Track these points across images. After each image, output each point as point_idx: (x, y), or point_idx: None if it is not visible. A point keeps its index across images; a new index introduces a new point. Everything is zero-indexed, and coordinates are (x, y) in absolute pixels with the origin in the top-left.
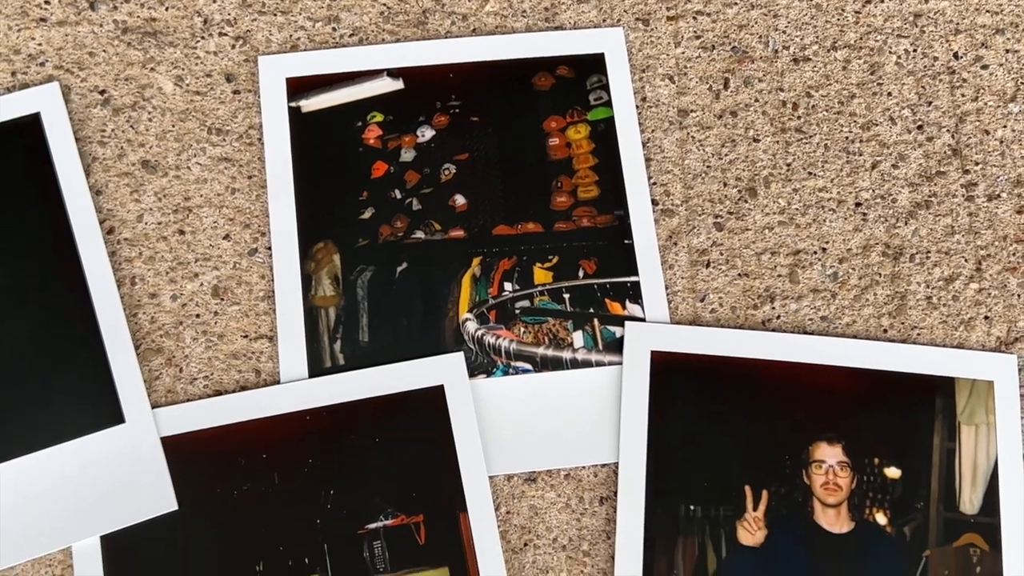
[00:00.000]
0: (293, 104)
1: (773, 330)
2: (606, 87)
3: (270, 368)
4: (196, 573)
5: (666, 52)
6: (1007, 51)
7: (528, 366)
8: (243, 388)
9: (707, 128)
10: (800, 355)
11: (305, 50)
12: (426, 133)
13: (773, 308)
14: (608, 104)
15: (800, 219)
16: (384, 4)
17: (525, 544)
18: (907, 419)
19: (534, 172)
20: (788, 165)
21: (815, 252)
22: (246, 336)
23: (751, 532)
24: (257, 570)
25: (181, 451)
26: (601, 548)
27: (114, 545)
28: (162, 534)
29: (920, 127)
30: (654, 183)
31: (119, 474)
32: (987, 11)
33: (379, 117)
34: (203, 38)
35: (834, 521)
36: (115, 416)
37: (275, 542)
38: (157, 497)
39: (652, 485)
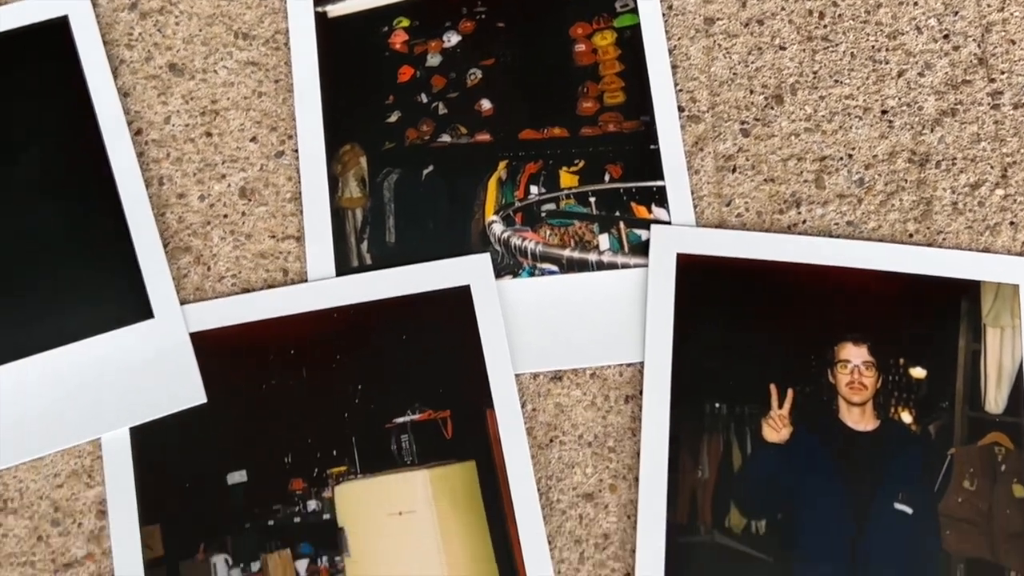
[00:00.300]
0: (319, 9)
1: (799, 234)
2: None
3: (297, 268)
4: (225, 465)
5: None
6: None
7: (554, 268)
8: (270, 287)
9: (733, 36)
10: (826, 258)
11: None
12: (452, 38)
13: (799, 213)
14: (634, 11)
15: (826, 126)
16: None
17: (551, 440)
18: (932, 321)
19: (560, 78)
20: (814, 73)
21: (841, 158)
22: (273, 236)
23: (776, 429)
24: (285, 462)
25: (210, 346)
26: (626, 445)
27: (143, 437)
28: (191, 427)
29: (946, 36)
30: (680, 90)
31: (148, 368)
32: None
33: (405, 22)
34: None
35: (859, 419)
36: (144, 311)
37: (303, 435)
38: (186, 390)
39: (677, 384)
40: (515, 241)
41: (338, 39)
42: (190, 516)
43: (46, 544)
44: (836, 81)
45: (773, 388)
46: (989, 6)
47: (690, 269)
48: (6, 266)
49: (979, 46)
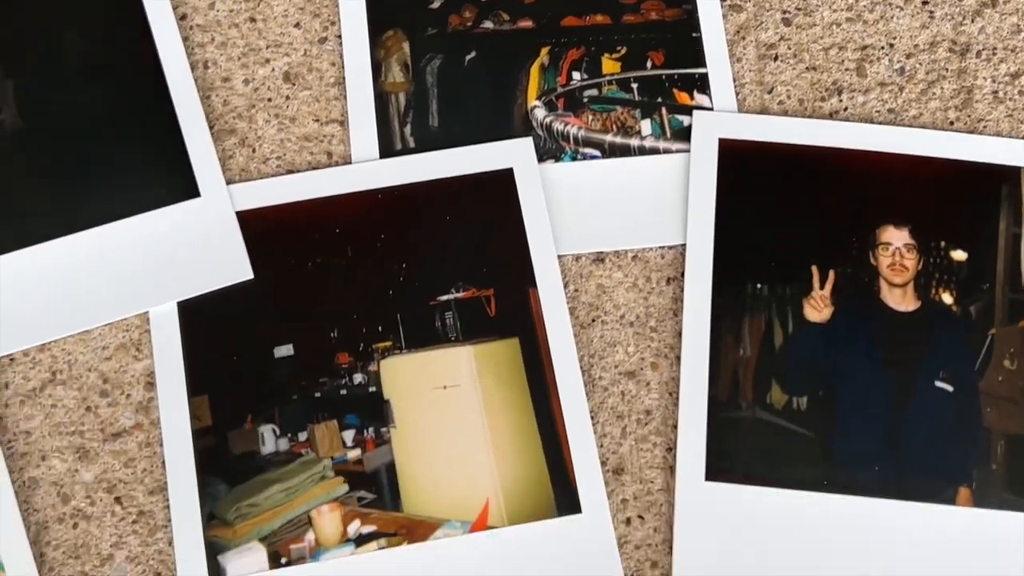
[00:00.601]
0: None
1: (840, 121)
2: None
3: (341, 151)
4: (271, 339)
5: None
6: None
7: (596, 152)
8: (314, 169)
9: None
10: (868, 143)
11: None
12: None
13: (840, 101)
14: None
15: (867, 16)
16: None
17: (593, 320)
18: (973, 205)
19: None
20: None
21: (882, 47)
22: (317, 120)
23: (818, 309)
24: (331, 336)
25: (255, 225)
26: (668, 325)
27: (191, 312)
28: (238, 302)
29: None
30: None
31: (196, 244)
32: None
33: None
34: None
35: (900, 300)
36: (191, 190)
37: (348, 311)
38: (233, 266)
39: (719, 265)
40: (557, 126)
41: None
42: (238, 388)
43: (95, 414)
44: None
45: (815, 269)
46: None
47: (732, 154)
48: (59, 147)
49: None
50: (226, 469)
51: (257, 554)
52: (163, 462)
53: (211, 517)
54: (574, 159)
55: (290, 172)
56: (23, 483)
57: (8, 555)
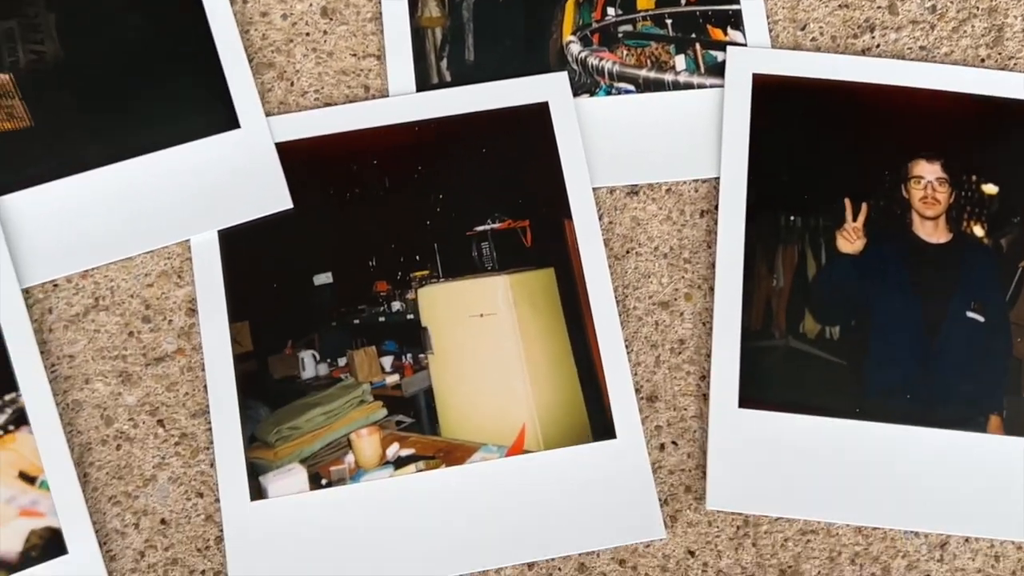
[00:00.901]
0: None
1: (873, 57)
2: None
3: (378, 85)
4: (311, 267)
5: None
6: None
7: (631, 87)
8: (352, 103)
9: None
10: (901, 79)
11: None
12: None
13: (873, 37)
14: None
15: None
16: None
17: (627, 251)
18: (1005, 140)
19: None
20: None
21: None
22: (354, 55)
23: (850, 241)
24: (370, 265)
25: (295, 156)
26: (702, 256)
27: (232, 241)
28: (278, 231)
29: None
30: None
31: (236, 175)
32: None
33: None
34: None
35: (932, 232)
36: (231, 121)
37: (386, 240)
38: (273, 196)
39: (753, 197)
40: (592, 61)
41: None
42: (278, 314)
43: (137, 340)
44: None
45: (847, 202)
46: None
47: (765, 89)
48: (101, 79)
49: None
50: (267, 393)
51: (298, 475)
52: (205, 386)
53: (252, 439)
54: (609, 94)
55: (328, 105)
56: (67, 406)
57: (53, 475)
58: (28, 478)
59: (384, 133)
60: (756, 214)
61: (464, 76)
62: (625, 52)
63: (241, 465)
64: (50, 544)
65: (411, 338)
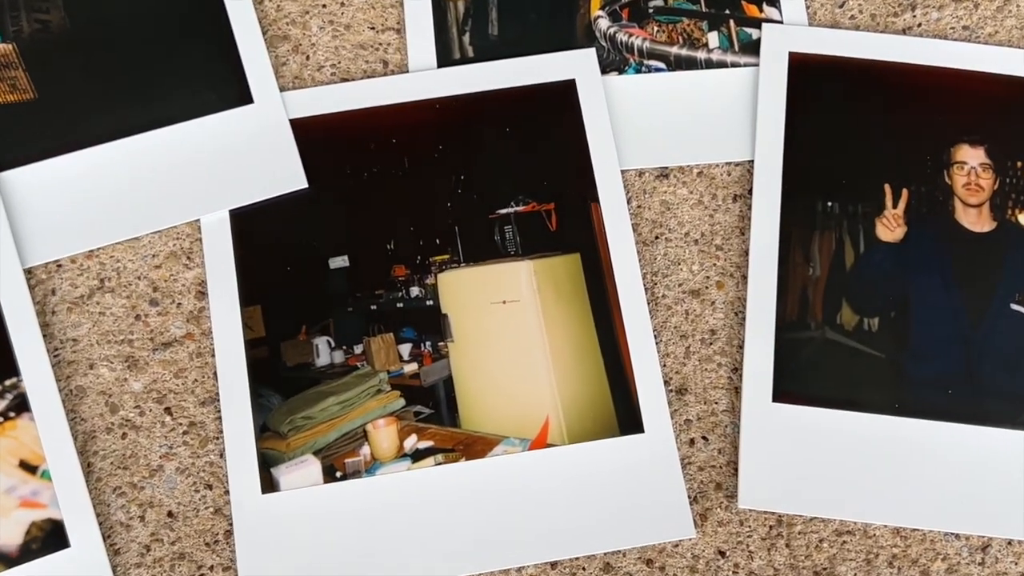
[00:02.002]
0: None
1: (914, 37)
2: None
3: (398, 60)
4: (326, 250)
5: None
6: None
7: (661, 65)
8: (370, 78)
9: None
10: (943, 60)
11: None
12: None
13: (914, 16)
14: None
15: None
16: None
17: (656, 237)
18: None
19: None
20: None
21: None
22: (373, 28)
23: (890, 228)
24: (388, 248)
25: (310, 133)
26: (734, 243)
27: (244, 221)
28: (293, 212)
29: None
30: None
31: (248, 152)
32: None
33: None
34: None
35: (975, 220)
36: (243, 96)
37: (405, 223)
38: (287, 175)
39: (788, 182)
40: (622, 37)
41: None
42: (292, 298)
43: (144, 323)
44: None
45: (887, 188)
46: None
47: (802, 69)
48: (108, 50)
49: None
50: (279, 380)
51: (311, 467)
52: (215, 372)
53: (264, 429)
54: (638, 71)
55: (344, 80)
56: (70, 392)
57: (55, 465)
58: (29, 467)
59: (403, 110)
60: (791, 199)
61: (487, 51)
62: (656, 28)
63: (252, 456)
64: (51, 537)
65: (430, 325)
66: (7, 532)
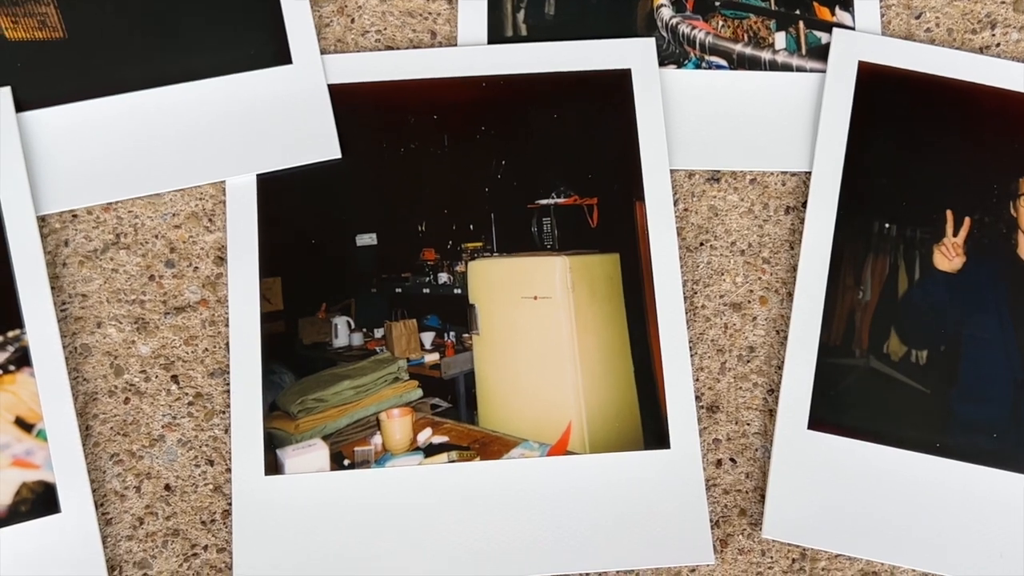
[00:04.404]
0: None
1: (993, 57)
2: None
3: (447, 31)
4: (354, 225)
5: None
6: None
7: (723, 62)
8: (416, 48)
9: None
10: (1020, 84)
11: None
12: None
13: (993, 35)
14: None
15: None
16: None
17: (701, 244)
18: None
19: None
20: None
21: None
22: None
23: (948, 257)
24: (419, 230)
25: (348, 101)
26: (783, 257)
27: (271, 187)
28: (322, 182)
29: None
30: None
31: (283, 115)
32: None
33: None
34: None
35: None
36: (282, 55)
37: (440, 205)
38: (320, 143)
39: (846, 198)
40: (684, 29)
41: None
42: (314, 273)
43: (158, 284)
44: None
45: (949, 214)
46: None
47: (871, 80)
48: None
49: None
50: (294, 358)
51: (319, 452)
52: (227, 343)
53: (273, 407)
54: (698, 67)
55: (389, 48)
56: (74, 349)
57: (52, 424)
58: (25, 425)
59: (448, 86)
60: (847, 217)
61: (542, 31)
62: (721, 22)
63: (258, 434)
64: (42, 499)
65: (456, 315)
66: None
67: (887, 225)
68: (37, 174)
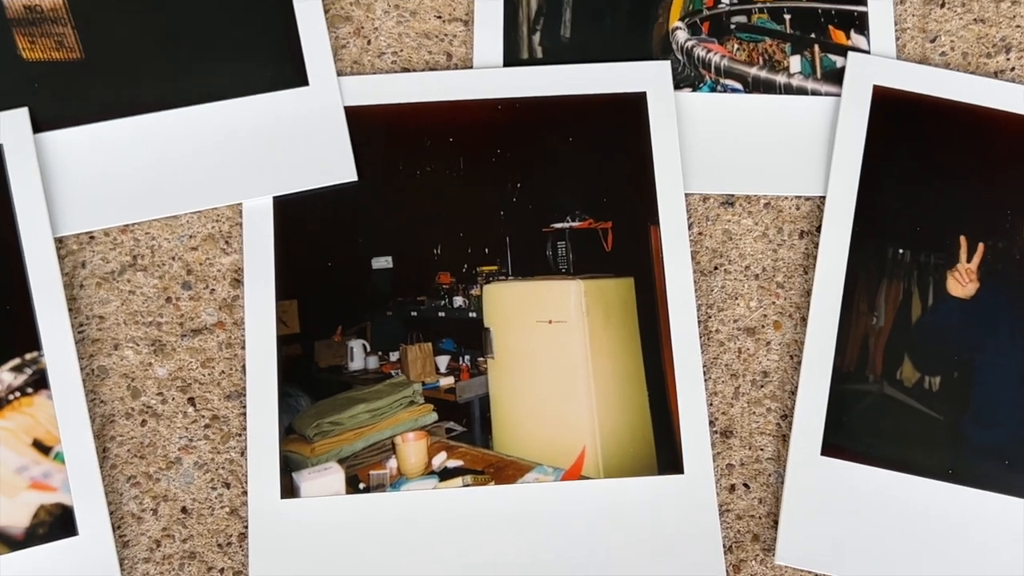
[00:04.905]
0: None
1: (1007, 81)
2: None
3: (463, 53)
4: (370, 248)
5: None
6: None
7: (738, 85)
8: (432, 69)
9: None
10: None
11: None
12: None
13: (1008, 59)
14: None
15: None
16: None
17: (715, 268)
18: None
19: None
20: None
21: None
22: (439, 17)
23: (962, 284)
24: (434, 253)
25: (365, 123)
26: (796, 282)
27: (287, 209)
28: (338, 205)
29: None
30: None
31: (299, 137)
32: None
33: None
34: None
35: None
36: (299, 77)
37: (455, 228)
38: (337, 165)
39: (860, 223)
40: (699, 52)
41: None
42: (330, 296)
43: (175, 307)
44: None
45: (963, 240)
46: None
47: (886, 104)
48: (162, 15)
49: None
50: (310, 381)
51: (334, 475)
52: (243, 366)
53: (289, 431)
54: (713, 90)
55: (405, 70)
56: (92, 371)
57: (70, 447)
58: (42, 447)
59: (465, 108)
60: (861, 242)
61: (557, 54)
62: (736, 46)
63: (274, 458)
64: (59, 522)
65: (471, 338)
66: (14, 513)
67: (901, 250)
68: (54, 195)
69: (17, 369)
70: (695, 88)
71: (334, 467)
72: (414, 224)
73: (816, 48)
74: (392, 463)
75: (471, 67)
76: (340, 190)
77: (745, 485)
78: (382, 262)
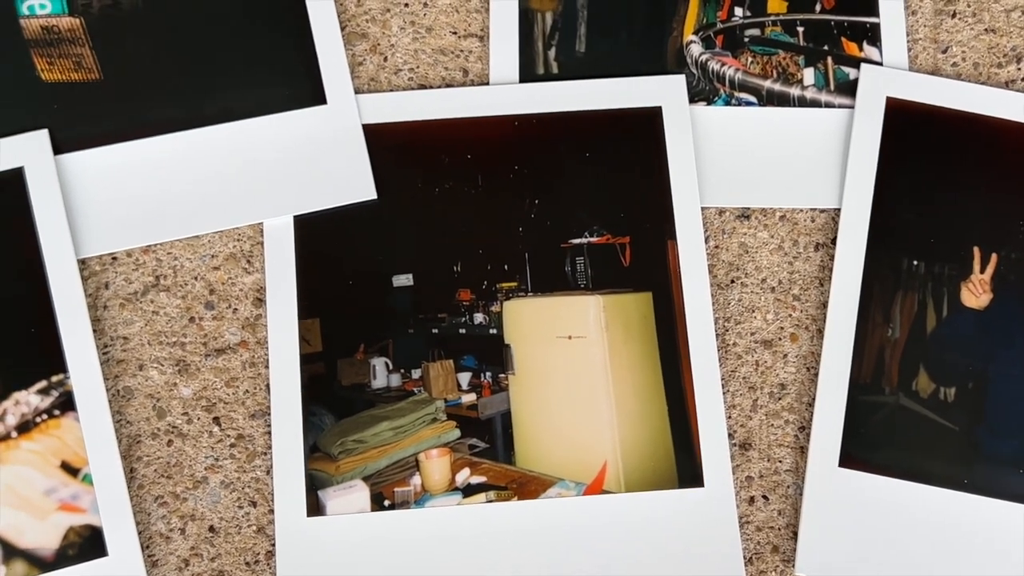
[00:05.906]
0: None
1: (1018, 91)
2: None
3: (479, 69)
4: (391, 266)
5: None
6: None
7: (752, 98)
8: (449, 86)
9: None
10: None
11: None
12: None
13: (1019, 69)
14: None
15: None
16: None
17: (732, 281)
18: None
19: None
20: None
21: None
22: (455, 33)
23: (975, 294)
24: (454, 270)
25: (383, 141)
26: (812, 294)
27: (308, 228)
28: (359, 223)
29: None
30: None
31: (318, 156)
32: None
33: None
34: None
35: None
36: (317, 96)
37: (475, 245)
38: (356, 184)
39: (874, 235)
40: (713, 65)
41: None
42: (352, 314)
43: (198, 326)
44: None
45: (976, 251)
46: None
47: (899, 116)
48: (178, 33)
49: None
50: (333, 399)
51: (359, 493)
52: (267, 385)
53: (314, 449)
54: (728, 103)
55: (422, 87)
56: (117, 392)
57: (98, 468)
58: (71, 469)
59: (482, 125)
60: (876, 254)
61: (572, 69)
62: (750, 59)
63: (300, 476)
64: (89, 543)
65: (492, 355)
66: (44, 535)
67: (915, 262)
68: (76, 217)
69: (44, 391)
70: (710, 102)
71: (359, 485)
72: (433, 241)
73: (829, 60)
74: (416, 480)
75: (487, 83)
76: (360, 208)
77: (764, 497)
78: (402, 280)
